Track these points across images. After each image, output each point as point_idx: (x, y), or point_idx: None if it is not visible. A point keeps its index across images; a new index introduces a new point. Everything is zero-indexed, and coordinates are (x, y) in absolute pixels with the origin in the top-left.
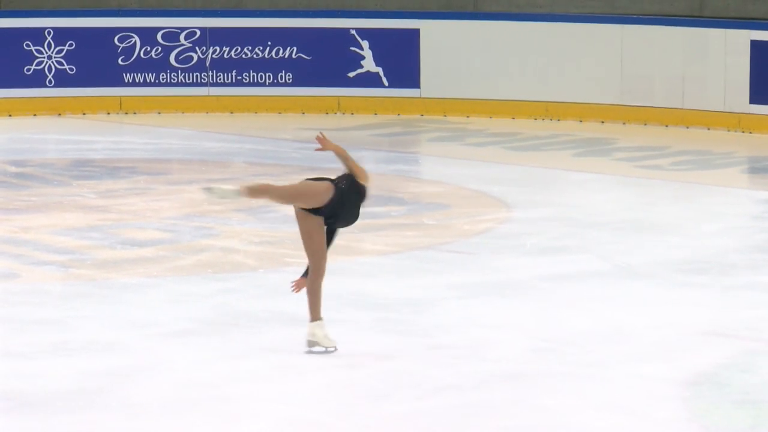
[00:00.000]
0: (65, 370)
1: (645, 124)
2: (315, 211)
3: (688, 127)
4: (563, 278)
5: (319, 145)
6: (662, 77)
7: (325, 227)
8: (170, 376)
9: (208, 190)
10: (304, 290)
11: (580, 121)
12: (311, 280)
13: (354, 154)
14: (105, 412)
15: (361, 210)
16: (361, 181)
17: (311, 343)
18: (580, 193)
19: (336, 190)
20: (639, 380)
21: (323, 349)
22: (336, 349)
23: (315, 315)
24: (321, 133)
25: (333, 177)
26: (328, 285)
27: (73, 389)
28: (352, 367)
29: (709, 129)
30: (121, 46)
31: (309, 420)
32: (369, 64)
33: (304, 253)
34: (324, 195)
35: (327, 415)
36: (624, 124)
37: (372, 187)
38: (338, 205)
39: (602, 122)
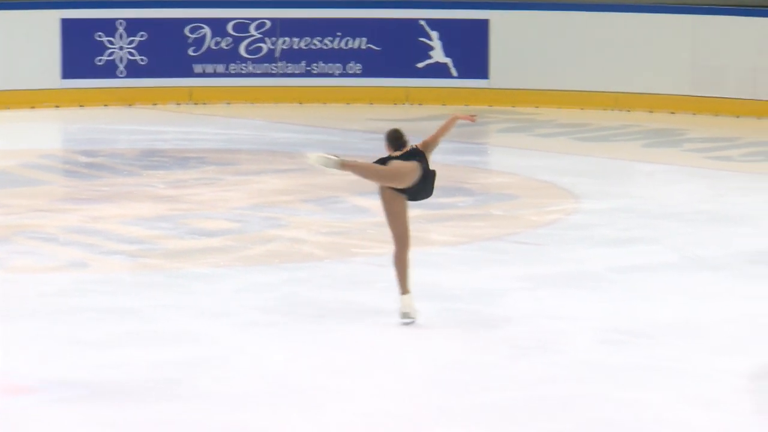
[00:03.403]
0: (137, 359)
1: (716, 115)
2: (401, 191)
3: (759, 118)
4: (633, 270)
5: (470, 121)
6: (734, 68)
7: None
8: (242, 366)
9: (312, 157)
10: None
11: (650, 112)
12: (397, 254)
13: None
14: (179, 402)
15: (429, 201)
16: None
17: (404, 315)
18: (650, 184)
19: (421, 168)
20: (711, 372)
21: (412, 320)
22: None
23: (404, 288)
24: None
25: (399, 154)
26: (394, 275)
27: (146, 378)
28: (420, 359)
29: None
30: (192, 37)
31: (381, 412)
32: (438, 55)
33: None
34: (412, 175)
35: (398, 407)
36: (695, 114)
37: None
38: (422, 182)
39: (673, 113)
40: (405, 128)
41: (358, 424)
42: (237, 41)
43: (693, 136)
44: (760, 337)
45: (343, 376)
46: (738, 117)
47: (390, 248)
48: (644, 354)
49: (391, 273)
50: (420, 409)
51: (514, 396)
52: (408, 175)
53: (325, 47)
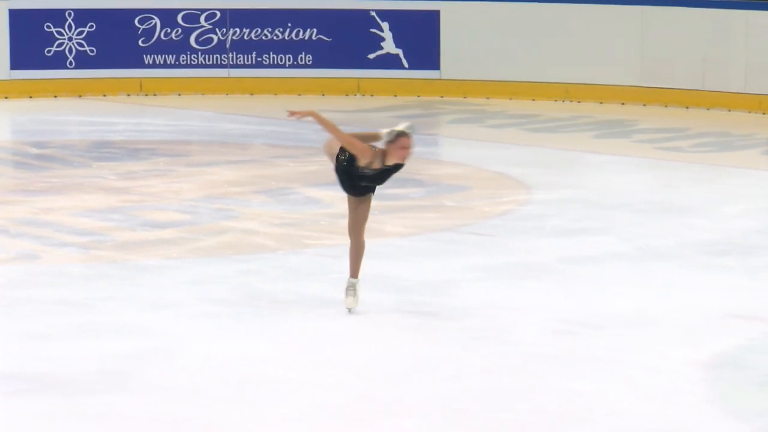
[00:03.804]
0: (88, 351)
1: (665, 106)
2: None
3: (708, 109)
4: (584, 260)
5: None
6: (683, 59)
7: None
8: (193, 358)
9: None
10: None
11: (600, 103)
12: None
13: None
14: (129, 394)
15: (382, 192)
16: (359, 161)
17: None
18: (600, 174)
19: (338, 160)
20: (662, 363)
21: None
22: (350, 312)
23: (351, 271)
24: (288, 111)
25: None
26: (348, 266)
27: (96, 371)
28: (373, 350)
29: (730, 111)
30: (142, 27)
31: (332, 403)
32: (389, 46)
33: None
34: (334, 159)
35: (350, 398)
36: (644, 105)
37: (366, 161)
38: (342, 176)
39: (622, 104)
40: (356, 119)
41: (310, 417)
42: (187, 32)
43: (643, 127)
44: (711, 327)
45: (296, 368)
46: (687, 108)
47: (342, 239)
48: (597, 345)
49: (345, 264)
50: (372, 400)
51: (468, 387)
52: (333, 157)
53: (275, 38)
